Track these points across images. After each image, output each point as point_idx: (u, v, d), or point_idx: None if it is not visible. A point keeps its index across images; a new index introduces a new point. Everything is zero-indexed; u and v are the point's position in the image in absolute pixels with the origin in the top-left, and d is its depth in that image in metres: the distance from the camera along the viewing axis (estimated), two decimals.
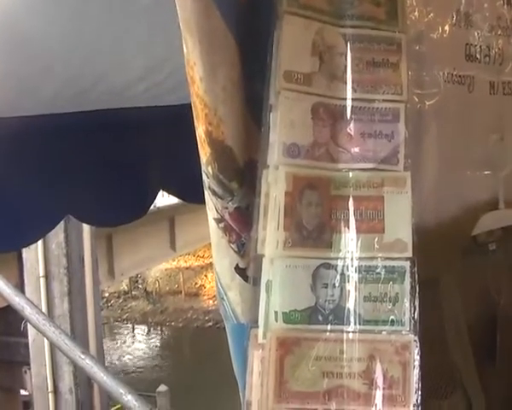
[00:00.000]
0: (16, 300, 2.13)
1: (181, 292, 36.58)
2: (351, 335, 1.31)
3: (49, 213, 2.95)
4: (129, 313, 34.73)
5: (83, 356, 1.95)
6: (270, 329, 1.29)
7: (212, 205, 1.44)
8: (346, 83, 1.37)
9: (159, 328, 34.92)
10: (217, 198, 1.42)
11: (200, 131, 1.38)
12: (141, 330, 34.01)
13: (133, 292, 36.10)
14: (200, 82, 1.32)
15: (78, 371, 5.06)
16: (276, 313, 1.30)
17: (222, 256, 1.48)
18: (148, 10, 2.29)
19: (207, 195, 1.44)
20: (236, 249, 1.45)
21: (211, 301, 36.55)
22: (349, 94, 1.37)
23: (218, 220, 1.44)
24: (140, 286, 36.96)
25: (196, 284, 37.84)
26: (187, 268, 38.22)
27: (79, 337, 5.02)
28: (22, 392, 20.70)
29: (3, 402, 19.83)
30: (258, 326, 1.33)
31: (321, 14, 1.37)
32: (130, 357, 29.53)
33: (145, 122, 3.20)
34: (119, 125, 3.11)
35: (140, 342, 32.37)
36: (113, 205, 3.19)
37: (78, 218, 3.20)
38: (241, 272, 1.47)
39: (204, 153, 1.39)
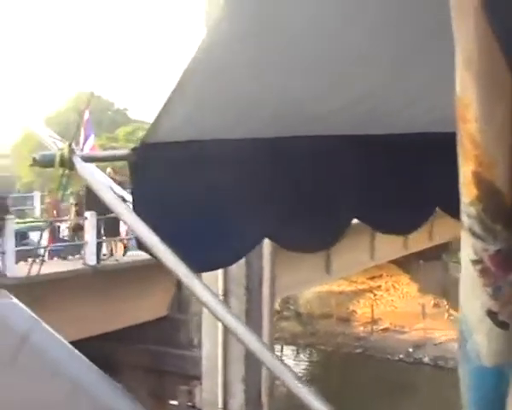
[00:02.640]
0: (229, 319, 2.15)
1: (332, 316, 36.50)
2: None
3: (249, 234, 2.98)
4: (279, 332, 34.93)
5: (300, 385, 1.95)
6: None
7: (469, 246, 1.40)
8: None
9: (308, 350, 34.95)
10: (477, 239, 1.38)
11: (467, 171, 1.35)
12: (290, 350, 34.14)
13: (284, 313, 36.30)
14: (474, 121, 1.29)
15: (249, 390, 5.11)
16: None
17: (472, 298, 1.44)
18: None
19: (466, 235, 1.40)
20: (491, 293, 1.41)
21: (362, 328, 36.30)
22: None
23: (476, 262, 1.40)
24: (291, 307, 37.14)
25: (348, 309, 37.67)
26: (339, 293, 38.12)
27: (254, 357, 5.06)
28: (172, 402, 21.26)
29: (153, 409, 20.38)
30: None
31: None
32: None
33: (342, 151, 3.20)
34: (324, 152, 3.12)
35: (289, 363, 32.45)
36: (309, 231, 3.19)
37: (276, 240, 3.22)
38: (492, 315, 1.42)
39: (468, 193, 1.36)
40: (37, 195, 29.59)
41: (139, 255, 20.52)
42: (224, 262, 3.31)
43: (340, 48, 2.42)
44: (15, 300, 2.21)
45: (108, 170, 21.86)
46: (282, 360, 2.09)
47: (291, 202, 3.05)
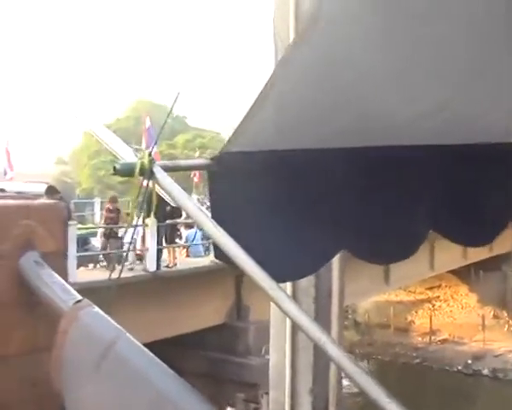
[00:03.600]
0: (317, 334, 2.11)
1: (390, 326, 36.21)
2: None
3: (327, 246, 2.96)
4: None
5: (388, 400, 1.91)
6: None
7: None
8: None
9: (365, 360, 34.68)
10: None
11: None
12: None
13: None
14: None
15: (316, 401, 5.06)
16: None
17: None
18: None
19: None
20: None
21: (419, 338, 35.96)
22: None
23: None
24: (349, 316, 36.92)
25: (406, 319, 37.36)
26: (398, 302, 37.81)
27: (321, 367, 5.03)
28: (229, 409, 21.27)
29: None
30: None
31: None
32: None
33: (422, 161, 3.16)
34: (403, 162, 3.08)
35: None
36: (385, 242, 3.16)
37: (354, 253, 3.18)
38: None
39: None
40: (97, 201, 29.86)
41: (199, 262, 20.68)
42: (302, 273, 3.28)
43: (418, 55, 2.39)
44: (98, 309, 2.22)
45: None
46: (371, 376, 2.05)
47: (369, 213, 3.02)
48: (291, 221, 2.79)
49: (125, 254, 17.01)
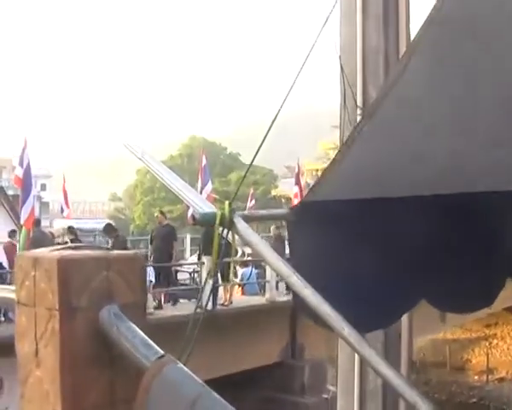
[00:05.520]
0: (413, 396, 2.05)
1: (446, 364, 35.68)
2: None
3: (407, 296, 2.91)
4: None
5: None
6: None
7: None
8: None
9: None
10: None
11: None
12: None
13: None
14: None
15: None
16: None
17: None
18: None
19: None
20: None
21: (476, 377, 35.32)
22: None
23: None
24: None
25: (462, 357, 36.76)
26: (453, 340, 37.27)
27: None
28: None
29: None
30: None
31: None
32: None
33: (493, 207, 3.08)
34: (469, 210, 3.01)
35: None
36: (464, 292, 3.10)
37: (433, 304, 3.11)
38: None
39: None
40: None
41: (254, 301, 20.65)
42: (384, 323, 3.23)
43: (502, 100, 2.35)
44: (181, 365, 2.18)
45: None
46: None
47: (448, 263, 2.96)
48: (372, 271, 2.74)
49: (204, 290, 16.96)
